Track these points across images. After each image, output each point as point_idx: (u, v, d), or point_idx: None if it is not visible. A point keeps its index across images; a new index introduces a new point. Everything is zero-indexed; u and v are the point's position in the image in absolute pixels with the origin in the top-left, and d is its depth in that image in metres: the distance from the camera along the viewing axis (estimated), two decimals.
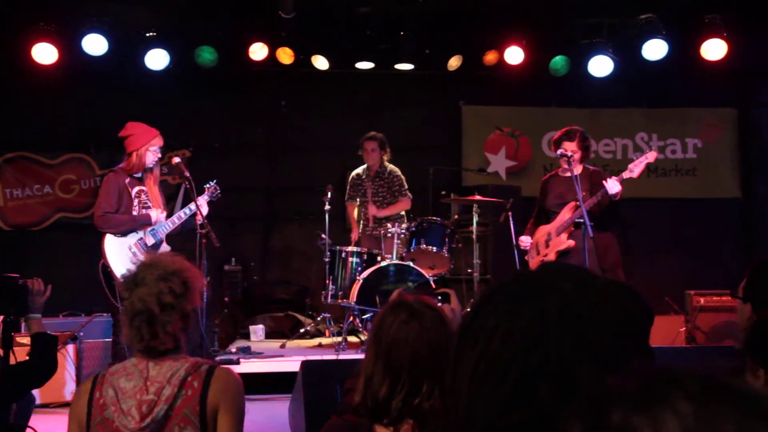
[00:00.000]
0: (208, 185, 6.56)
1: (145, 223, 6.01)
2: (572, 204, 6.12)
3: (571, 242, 6.09)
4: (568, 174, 6.15)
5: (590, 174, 6.22)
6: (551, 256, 6.21)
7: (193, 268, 2.62)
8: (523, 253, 6.73)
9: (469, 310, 1.08)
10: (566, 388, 0.92)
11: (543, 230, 6.39)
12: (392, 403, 2.09)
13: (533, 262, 6.44)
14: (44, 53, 8.11)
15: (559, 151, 6.14)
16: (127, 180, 5.99)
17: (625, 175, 6.04)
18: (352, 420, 2.17)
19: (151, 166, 6.06)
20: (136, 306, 2.48)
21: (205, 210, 6.33)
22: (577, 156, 6.14)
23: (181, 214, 6.22)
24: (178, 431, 2.41)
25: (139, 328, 2.47)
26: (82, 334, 6.59)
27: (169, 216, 6.26)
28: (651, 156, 6.16)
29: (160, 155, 6.13)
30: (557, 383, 0.92)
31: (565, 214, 6.18)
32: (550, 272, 1.04)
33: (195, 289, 2.59)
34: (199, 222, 6.33)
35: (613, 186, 5.86)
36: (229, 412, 2.47)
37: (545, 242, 6.31)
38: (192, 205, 6.23)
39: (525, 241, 6.49)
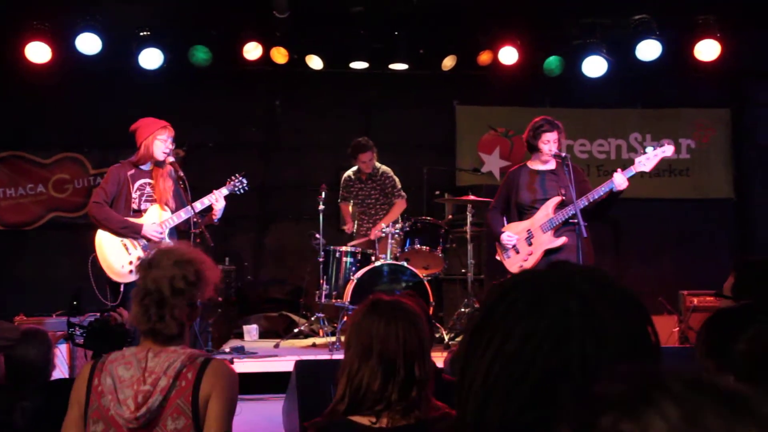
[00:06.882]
0: (231, 177, 6.24)
1: (133, 232, 5.77)
2: (558, 200, 5.80)
3: (564, 239, 5.72)
4: (542, 167, 5.93)
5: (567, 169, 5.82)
6: (537, 255, 5.82)
7: (209, 261, 2.65)
8: None
9: (478, 309, 1.07)
10: (586, 389, 0.92)
11: (518, 227, 5.96)
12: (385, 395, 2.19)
13: (511, 262, 5.97)
14: (38, 52, 8.08)
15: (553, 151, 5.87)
16: (131, 172, 5.86)
17: (637, 168, 5.70)
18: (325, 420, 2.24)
19: (161, 158, 5.85)
20: (148, 286, 2.52)
21: (221, 204, 6.01)
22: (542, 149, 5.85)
23: (189, 209, 5.87)
24: (171, 422, 2.43)
25: (147, 308, 2.51)
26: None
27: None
28: (669, 150, 5.76)
29: (171, 147, 5.87)
30: (578, 384, 0.92)
31: (550, 210, 5.79)
32: (566, 272, 1.03)
33: (208, 280, 2.62)
34: (215, 219, 6.03)
35: (621, 181, 5.55)
36: (218, 400, 2.47)
37: (526, 240, 5.89)
38: (206, 199, 5.98)
39: (512, 238, 5.92)
